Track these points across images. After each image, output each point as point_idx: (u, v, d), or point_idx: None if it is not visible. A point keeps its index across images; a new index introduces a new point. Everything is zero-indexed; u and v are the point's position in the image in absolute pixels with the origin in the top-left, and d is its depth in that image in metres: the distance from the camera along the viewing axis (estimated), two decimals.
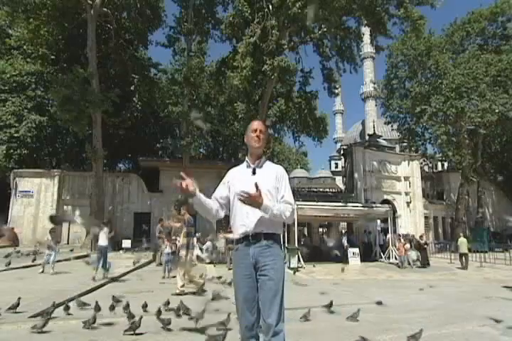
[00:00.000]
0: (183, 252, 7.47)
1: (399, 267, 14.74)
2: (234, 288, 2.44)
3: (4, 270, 9.98)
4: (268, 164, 2.60)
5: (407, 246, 15.33)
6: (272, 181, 2.46)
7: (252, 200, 2.23)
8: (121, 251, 17.06)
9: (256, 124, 2.58)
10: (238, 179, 2.50)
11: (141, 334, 4.33)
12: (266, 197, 2.31)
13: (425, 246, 15.93)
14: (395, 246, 16.15)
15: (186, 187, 2.27)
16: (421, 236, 16.91)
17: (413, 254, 15.73)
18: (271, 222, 2.39)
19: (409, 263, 14.87)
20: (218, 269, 12.65)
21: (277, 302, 2.28)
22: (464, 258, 14.59)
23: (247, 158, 2.60)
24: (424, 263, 15.08)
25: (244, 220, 2.40)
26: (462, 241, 14.99)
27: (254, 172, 2.50)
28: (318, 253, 18.44)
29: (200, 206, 2.41)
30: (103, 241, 9.33)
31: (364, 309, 5.40)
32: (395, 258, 17.35)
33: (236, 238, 2.48)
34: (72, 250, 16.26)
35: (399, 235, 18.78)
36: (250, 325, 2.32)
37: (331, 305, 5.73)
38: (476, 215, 27.71)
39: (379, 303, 6.12)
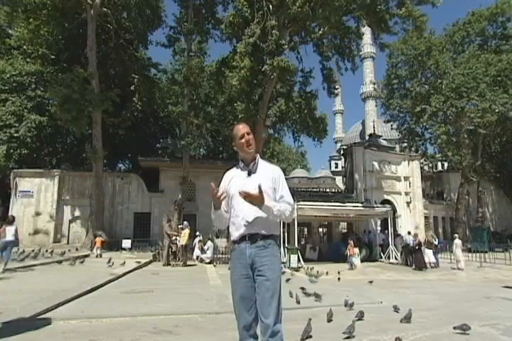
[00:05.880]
0: None
1: (350, 268, 14.24)
2: (231, 288, 2.45)
3: (5, 270, 9.97)
4: (263, 164, 2.56)
5: (356, 250, 15.25)
6: (269, 182, 2.43)
7: (253, 199, 2.24)
8: (122, 251, 17.09)
9: (241, 129, 2.50)
10: (234, 182, 2.49)
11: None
12: (268, 198, 2.32)
13: (418, 246, 14.87)
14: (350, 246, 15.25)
15: (220, 196, 2.35)
16: (415, 235, 16.37)
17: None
18: (267, 223, 2.41)
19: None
20: (218, 269, 12.64)
21: (275, 302, 2.29)
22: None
23: (240, 162, 2.56)
24: (419, 266, 14.25)
25: (241, 222, 2.41)
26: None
27: (249, 174, 2.48)
28: (319, 253, 18.53)
29: (219, 218, 2.51)
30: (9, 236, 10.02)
31: (364, 309, 5.40)
32: (395, 258, 17.34)
33: (233, 239, 2.49)
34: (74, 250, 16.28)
35: (355, 235, 19.31)
36: (248, 325, 2.33)
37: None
38: (476, 215, 27.70)
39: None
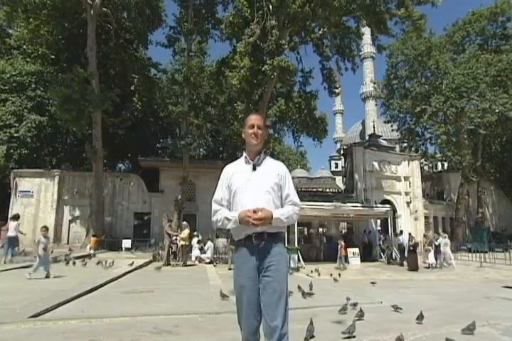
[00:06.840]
0: None
1: (339, 268, 14.00)
2: (236, 292, 2.33)
3: (4, 270, 9.97)
4: (268, 160, 2.46)
5: (356, 250, 15.61)
6: (274, 178, 2.34)
7: (265, 221, 2.18)
8: (122, 251, 17.07)
9: (253, 119, 2.43)
10: (237, 177, 2.38)
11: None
12: (274, 209, 2.25)
13: (412, 247, 14.75)
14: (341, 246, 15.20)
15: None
16: (424, 236, 16.32)
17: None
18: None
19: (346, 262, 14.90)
20: (218, 269, 12.64)
21: (282, 304, 2.19)
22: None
23: (245, 154, 2.46)
24: (412, 266, 14.08)
25: None
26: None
27: (254, 169, 2.38)
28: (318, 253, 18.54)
29: (229, 223, 2.34)
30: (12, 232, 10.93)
31: (364, 309, 5.40)
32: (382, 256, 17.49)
33: (238, 239, 2.36)
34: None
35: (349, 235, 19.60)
36: (254, 329, 2.23)
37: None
38: (476, 215, 27.69)
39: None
